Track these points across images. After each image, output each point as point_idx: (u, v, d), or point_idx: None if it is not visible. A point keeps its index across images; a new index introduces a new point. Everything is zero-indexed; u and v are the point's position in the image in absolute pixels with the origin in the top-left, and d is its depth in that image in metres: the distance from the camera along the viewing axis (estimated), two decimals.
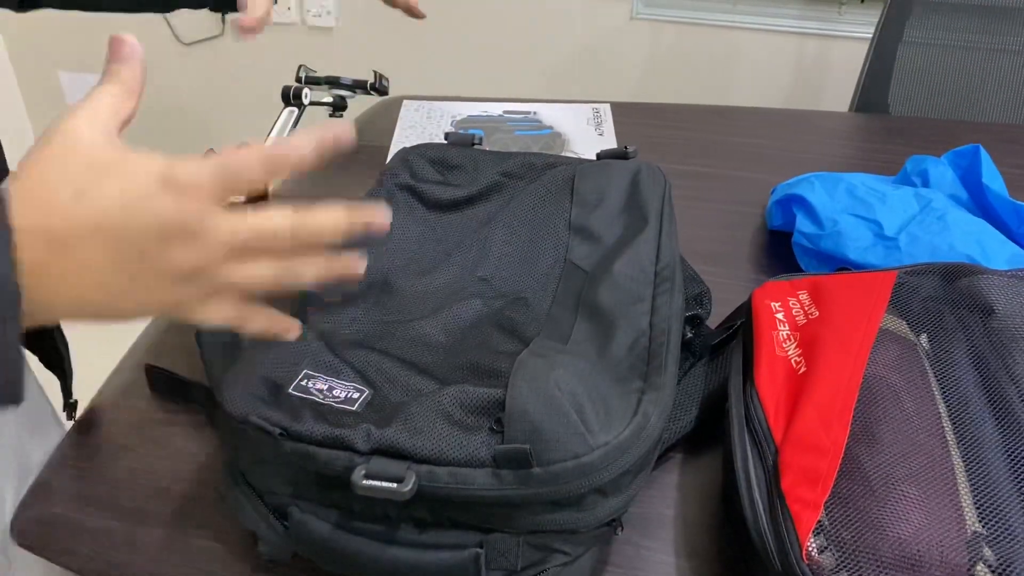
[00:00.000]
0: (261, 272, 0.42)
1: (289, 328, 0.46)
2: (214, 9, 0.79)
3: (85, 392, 0.71)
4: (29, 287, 0.37)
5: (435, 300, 0.60)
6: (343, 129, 0.42)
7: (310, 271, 0.43)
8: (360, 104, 1.15)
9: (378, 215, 0.43)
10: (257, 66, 2.35)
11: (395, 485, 0.44)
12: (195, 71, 2.42)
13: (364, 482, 0.44)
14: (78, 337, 0.89)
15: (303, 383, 0.50)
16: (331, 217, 0.42)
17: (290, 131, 0.96)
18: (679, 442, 0.63)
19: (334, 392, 0.50)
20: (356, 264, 0.45)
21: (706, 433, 0.63)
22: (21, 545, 0.58)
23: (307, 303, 0.58)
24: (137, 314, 0.41)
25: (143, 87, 0.43)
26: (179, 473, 0.61)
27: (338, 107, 1.05)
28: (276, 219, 0.41)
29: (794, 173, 0.90)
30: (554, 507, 0.48)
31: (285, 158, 0.41)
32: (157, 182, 0.39)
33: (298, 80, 1.02)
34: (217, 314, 0.42)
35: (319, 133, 0.42)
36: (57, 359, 0.71)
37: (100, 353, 1.11)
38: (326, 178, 1.02)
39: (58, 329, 0.79)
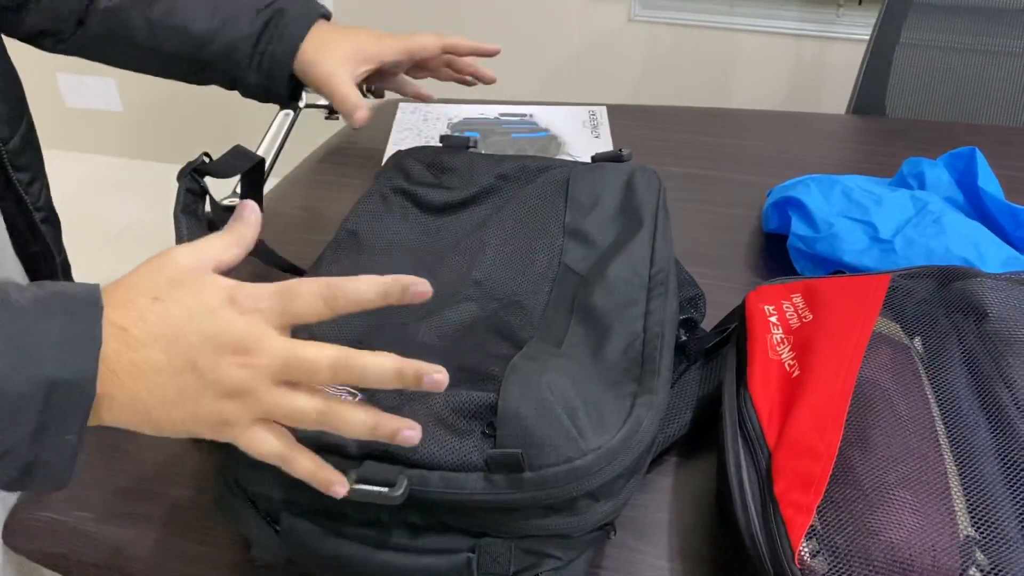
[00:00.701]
0: (303, 405, 0.42)
1: (335, 482, 0.44)
2: (248, 96, 0.81)
3: None
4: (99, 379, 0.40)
5: (429, 303, 0.60)
6: (413, 282, 0.43)
7: (353, 424, 0.42)
8: None
9: (434, 372, 0.42)
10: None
11: (386, 490, 0.44)
12: None
13: (355, 486, 0.44)
14: None
15: None
16: (379, 364, 0.42)
17: (285, 134, 0.95)
18: (673, 446, 0.63)
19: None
20: (409, 434, 0.42)
21: (700, 437, 0.63)
22: (14, 549, 0.58)
23: None
24: (184, 425, 0.42)
25: (250, 246, 0.47)
26: (173, 478, 0.61)
27: (333, 110, 1.05)
28: (321, 352, 0.42)
29: (790, 175, 0.90)
30: (546, 511, 0.47)
31: (343, 296, 0.43)
32: (224, 299, 0.42)
33: None
34: (263, 444, 0.43)
35: (384, 283, 0.43)
36: None
37: None
38: (322, 181, 1.02)
39: None
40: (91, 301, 0.41)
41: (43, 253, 0.74)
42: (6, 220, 0.70)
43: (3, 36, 0.72)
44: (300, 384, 0.42)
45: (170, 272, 0.43)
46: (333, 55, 0.73)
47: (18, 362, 0.38)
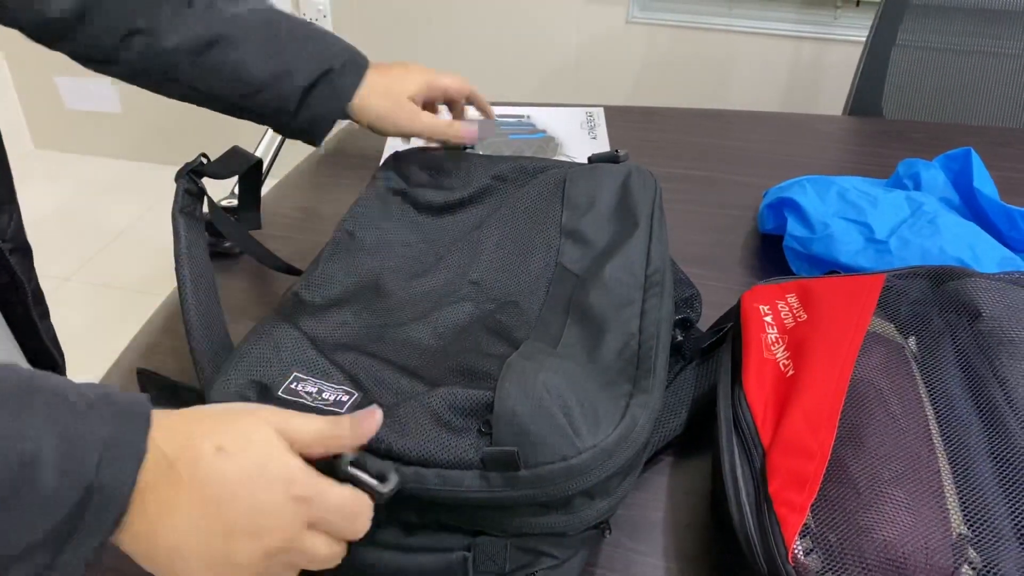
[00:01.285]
0: (323, 551, 0.42)
1: None
2: (280, 132, 0.81)
3: None
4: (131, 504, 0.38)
5: (426, 303, 0.60)
6: None
7: None
8: None
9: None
10: None
11: (376, 482, 0.44)
12: None
13: (348, 469, 0.44)
14: (71, 340, 0.89)
15: (292, 386, 0.50)
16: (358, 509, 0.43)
17: (282, 136, 0.95)
18: (668, 445, 0.63)
19: (323, 395, 0.50)
20: None
21: (695, 436, 0.63)
22: None
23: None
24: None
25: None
26: None
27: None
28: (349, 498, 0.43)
29: (787, 176, 0.90)
30: (542, 510, 0.48)
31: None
32: (284, 487, 0.40)
33: None
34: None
35: None
36: (51, 365, 0.71)
37: (91, 355, 1.11)
38: (319, 182, 1.02)
39: (53, 340, 0.79)
40: (140, 414, 0.39)
41: (12, 283, 0.72)
42: None
43: None
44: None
45: (246, 426, 0.41)
46: (404, 96, 0.76)
47: (64, 460, 0.36)
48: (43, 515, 0.36)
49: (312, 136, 0.78)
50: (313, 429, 0.43)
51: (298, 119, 0.75)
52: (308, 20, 0.79)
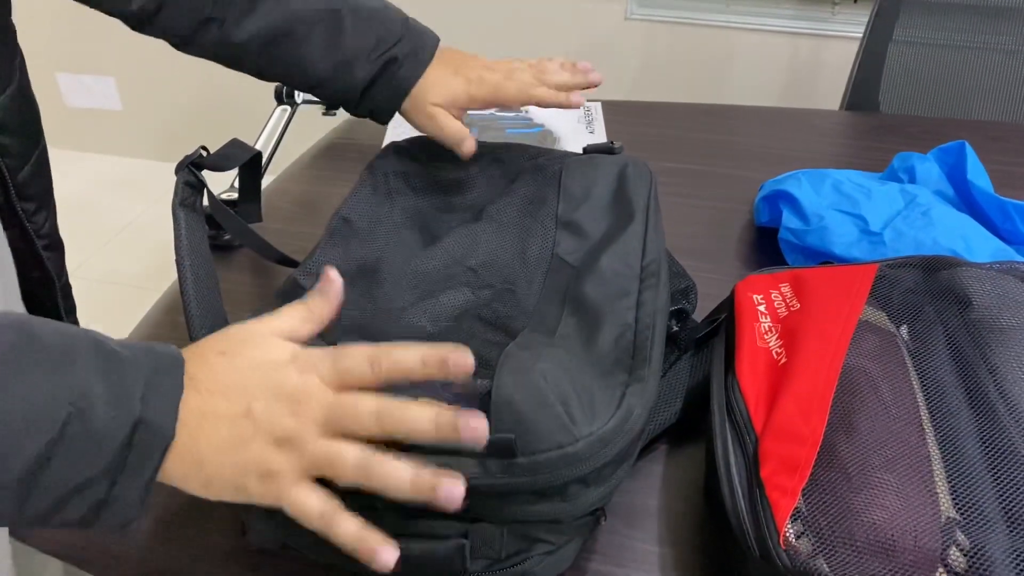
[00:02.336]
0: (345, 455, 0.43)
1: (380, 549, 0.42)
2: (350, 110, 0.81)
3: None
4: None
5: (424, 287, 0.61)
6: (451, 353, 0.44)
7: (395, 479, 0.43)
8: None
9: (474, 421, 0.43)
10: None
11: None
12: (192, 72, 2.43)
13: None
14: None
15: None
16: (420, 414, 0.43)
17: (282, 129, 0.96)
18: (663, 434, 0.63)
19: None
20: (449, 491, 0.42)
21: (690, 426, 0.64)
22: (22, 540, 0.59)
23: None
24: (233, 476, 0.43)
25: (324, 322, 0.49)
26: None
27: (331, 106, 1.06)
28: (365, 401, 0.44)
29: (783, 170, 0.91)
30: (538, 497, 0.48)
31: (388, 360, 0.45)
32: (287, 357, 0.45)
33: None
34: (307, 502, 0.43)
35: (426, 350, 0.45)
36: None
37: None
38: (319, 176, 1.03)
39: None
40: (175, 356, 0.44)
41: (44, 279, 0.76)
42: (11, 246, 0.71)
43: (26, 68, 0.75)
44: (346, 434, 0.44)
45: (239, 334, 0.46)
46: (428, 101, 0.75)
47: (114, 400, 0.40)
48: (96, 451, 0.40)
49: (378, 121, 0.79)
50: (293, 314, 0.48)
51: (360, 109, 0.77)
52: None
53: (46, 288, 0.76)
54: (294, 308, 0.48)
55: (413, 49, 0.76)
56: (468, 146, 0.74)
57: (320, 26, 0.73)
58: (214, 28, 0.73)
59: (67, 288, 0.81)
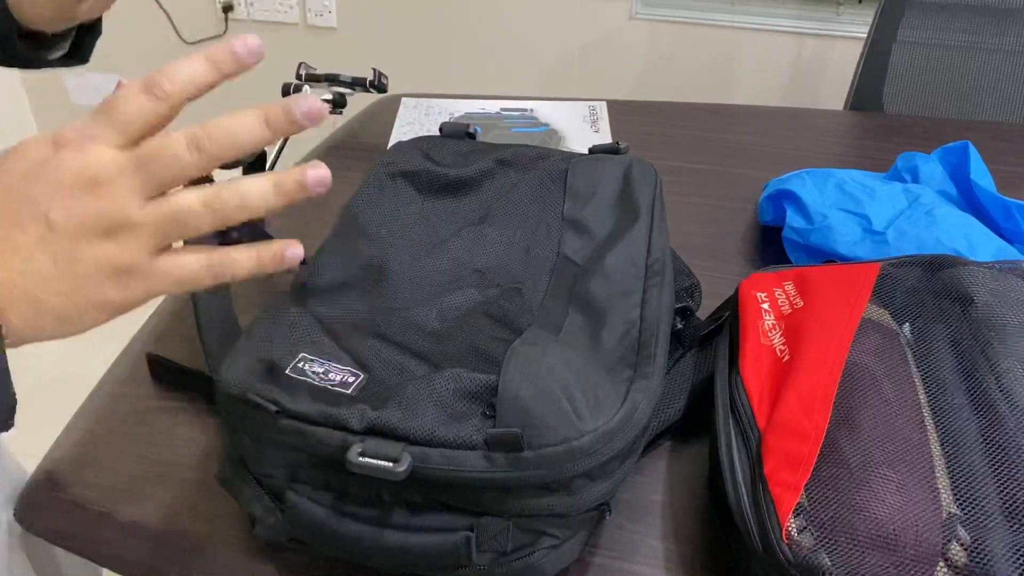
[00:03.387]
0: (185, 201, 0.38)
1: (284, 250, 0.40)
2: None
3: (87, 382, 0.73)
4: None
5: (430, 287, 0.61)
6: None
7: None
8: (360, 102, 1.16)
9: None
10: (259, 65, 2.36)
11: (391, 465, 0.45)
12: None
13: (359, 459, 0.45)
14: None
15: (300, 365, 0.51)
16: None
17: None
18: (668, 431, 0.64)
19: (330, 375, 0.51)
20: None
21: (694, 423, 0.64)
22: (27, 528, 0.60)
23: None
24: (82, 296, 0.38)
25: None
26: (178, 459, 0.63)
27: (338, 104, 1.07)
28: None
29: (787, 170, 0.91)
30: (543, 491, 0.49)
31: (167, 79, 0.38)
32: (48, 145, 0.38)
33: (298, 77, 1.03)
34: (182, 264, 0.39)
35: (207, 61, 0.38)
36: None
37: (98, 345, 1.12)
38: None
39: None
40: None
41: None
42: None
43: None
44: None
45: (16, 146, 0.39)
46: None
47: None
48: None
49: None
50: (85, 121, 0.39)
51: None
52: None
53: None
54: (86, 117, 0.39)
55: None
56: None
57: None
58: None
59: None
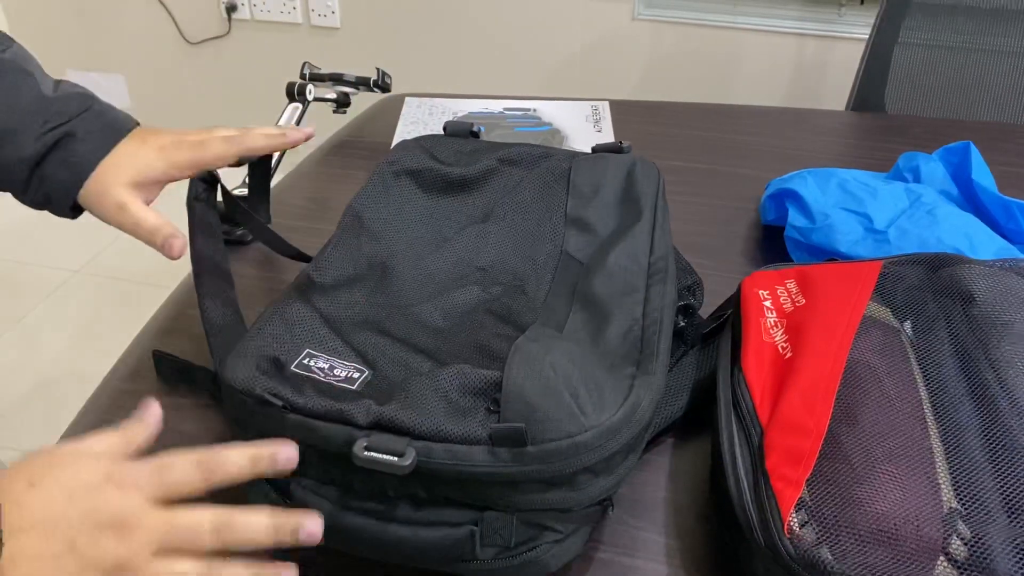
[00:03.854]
0: (184, 570, 0.42)
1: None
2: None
3: (91, 380, 0.73)
4: None
5: (434, 285, 0.62)
6: (279, 449, 0.45)
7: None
8: (363, 101, 1.17)
9: (309, 521, 0.44)
10: (262, 65, 2.37)
11: (395, 459, 0.46)
12: (201, 69, 2.45)
13: (364, 454, 0.46)
14: (80, 331, 0.90)
15: (305, 361, 0.52)
16: (257, 522, 0.43)
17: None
18: (670, 428, 0.64)
19: (335, 371, 0.51)
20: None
21: (696, 420, 0.65)
22: None
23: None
24: None
25: (142, 446, 0.46)
26: None
27: (341, 103, 1.07)
28: (201, 517, 0.43)
29: (789, 170, 0.92)
30: (547, 486, 0.49)
31: (218, 466, 0.44)
32: (102, 476, 0.42)
33: (302, 77, 1.04)
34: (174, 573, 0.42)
35: (254, 449, 0.45)
36: None
37: (102, 342, 1.12)
38: (329, 173, 1.04)
39: None
40: None
41: None
42: None
43: None
44: (183, 551, 0.42)
45: (48, 458, 0.43)
46: (117, 182, 0.64)
47: None
48: None
49: (54, 212, 0.66)
50: (105, 438, 0.45)
51: (29, 193, 0.65)
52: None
53: None
54: (108, 433, 0.46)
55: (98, 123, 0.66)
56: (176, 246, 0.62)
57: None
58: None
59: None
